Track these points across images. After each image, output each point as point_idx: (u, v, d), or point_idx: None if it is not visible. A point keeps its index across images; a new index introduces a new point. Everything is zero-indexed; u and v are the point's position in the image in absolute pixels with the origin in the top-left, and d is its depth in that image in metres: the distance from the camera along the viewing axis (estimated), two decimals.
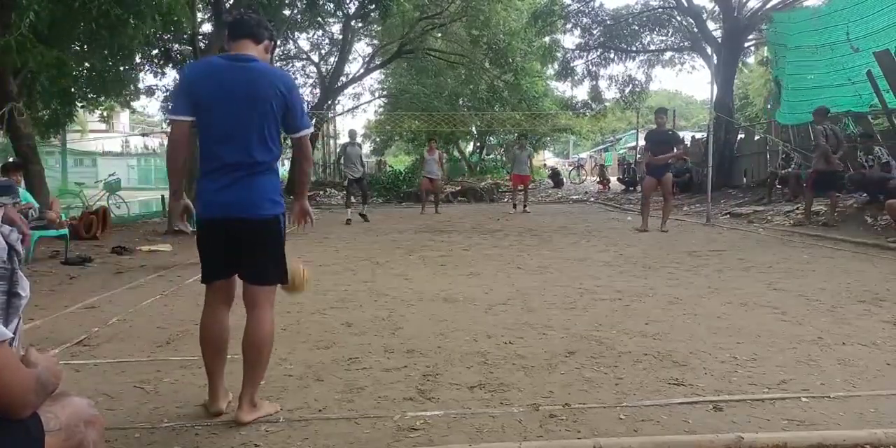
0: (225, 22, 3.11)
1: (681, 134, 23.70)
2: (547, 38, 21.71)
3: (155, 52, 15.19)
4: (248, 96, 2.51)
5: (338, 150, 32.18)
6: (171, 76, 19.24)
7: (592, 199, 19.49)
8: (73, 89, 11.33)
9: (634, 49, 21.57)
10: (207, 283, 2.66)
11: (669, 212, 9.83)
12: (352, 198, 12.40)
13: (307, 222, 2.90)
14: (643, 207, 9.84)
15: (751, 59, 22.88)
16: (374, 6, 15.87)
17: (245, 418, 2.49)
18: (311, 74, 27.24)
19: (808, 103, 11.46)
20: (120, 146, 33.93)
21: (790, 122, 13.29)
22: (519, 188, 14.54)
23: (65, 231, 7.49)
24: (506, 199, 17.63)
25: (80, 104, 13.37)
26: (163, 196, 12.69)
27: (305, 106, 2.86)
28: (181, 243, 8.21)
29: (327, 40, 25.85)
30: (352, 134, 12.68)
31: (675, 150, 9.44)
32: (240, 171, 2.53)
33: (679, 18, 19.89)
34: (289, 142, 2.84)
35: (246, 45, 2.62)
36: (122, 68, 12.00)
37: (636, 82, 22.65)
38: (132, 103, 18.83)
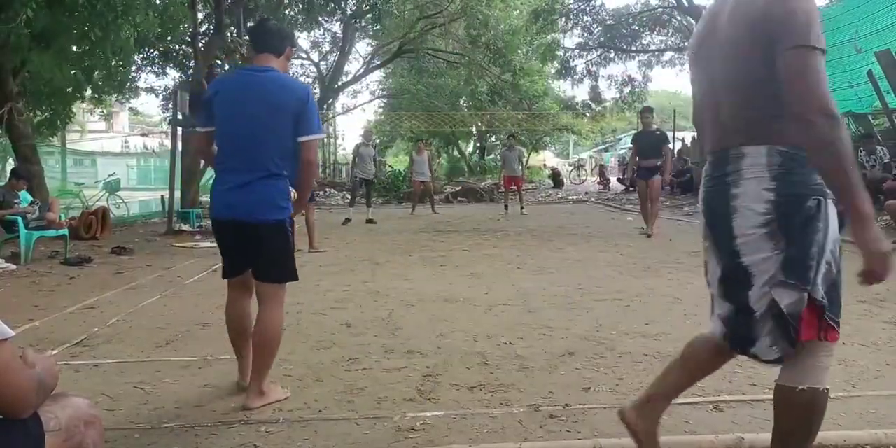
0: (247, 30, 3.35)
1: (681, 134, 23.74)
2: (549, 37, 21.72)
3: (155, 52, 15.18)
4: (263, 105, 2.65)
5: (339, 150, 32.30)
6: (172, 76, 19.31)
7: (593, 199, 19.48)
8: (70, 89, 11.30)
9: (634, 49, 21.59)
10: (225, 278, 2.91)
11: (656, 215, 9.65)
12: (356, 198, 12.39)
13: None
14: (642, 210, 9.80)
15: None
16: (368, 9, 15.98)
17: (252, 404, 2.63)
18: (310, 74, 27.29)
19: None
20: (119, 146, 34.02)
21: None
22: (511, 189, 14.39)
23: (64, 231, 7.49)
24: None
25: (81, 106, 13.34)
26: (162, 196, 12.67)
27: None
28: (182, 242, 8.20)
29: (328, 39, 25.93)
30: (366, 134, 12.67)
31: (662, 150, 9.35)
32: (249, 176, 2.67)
33: (679, 18, 19.91)
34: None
35: (267, 59, 2.79)
36: (121, 68, 11.99)
37: (635, 82, 22.68)
38: (131, 101, 18.87)
